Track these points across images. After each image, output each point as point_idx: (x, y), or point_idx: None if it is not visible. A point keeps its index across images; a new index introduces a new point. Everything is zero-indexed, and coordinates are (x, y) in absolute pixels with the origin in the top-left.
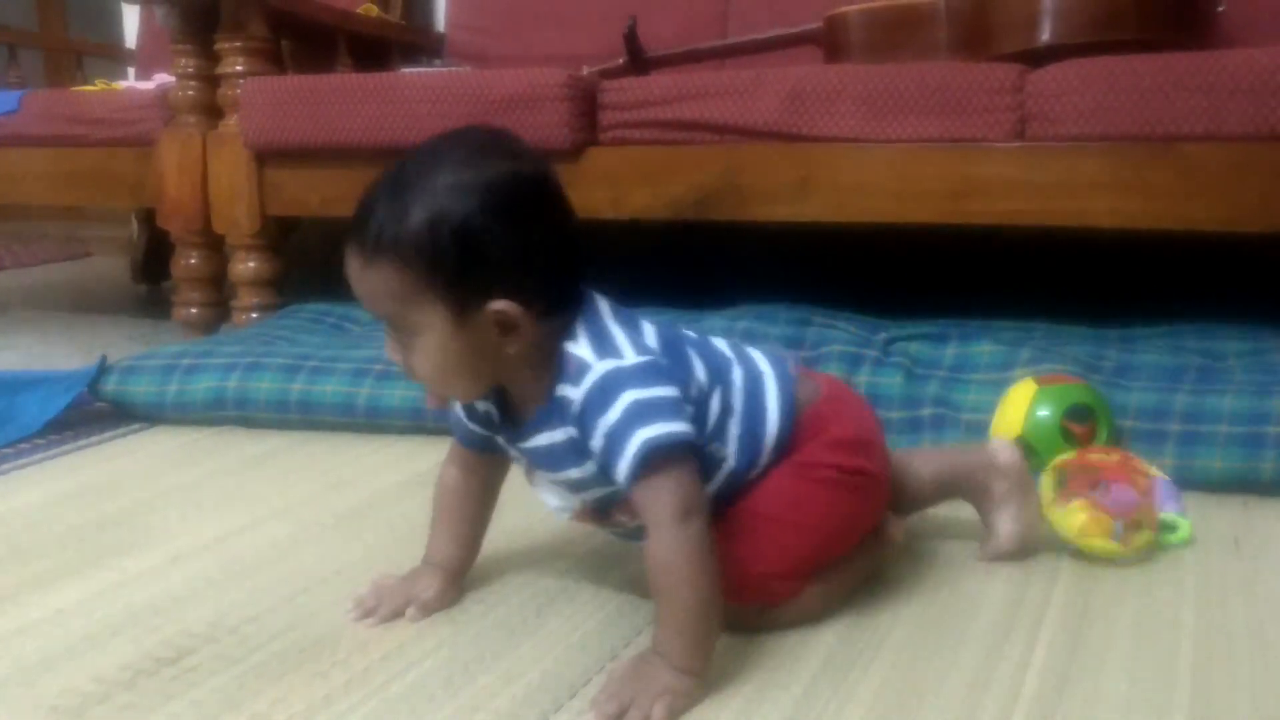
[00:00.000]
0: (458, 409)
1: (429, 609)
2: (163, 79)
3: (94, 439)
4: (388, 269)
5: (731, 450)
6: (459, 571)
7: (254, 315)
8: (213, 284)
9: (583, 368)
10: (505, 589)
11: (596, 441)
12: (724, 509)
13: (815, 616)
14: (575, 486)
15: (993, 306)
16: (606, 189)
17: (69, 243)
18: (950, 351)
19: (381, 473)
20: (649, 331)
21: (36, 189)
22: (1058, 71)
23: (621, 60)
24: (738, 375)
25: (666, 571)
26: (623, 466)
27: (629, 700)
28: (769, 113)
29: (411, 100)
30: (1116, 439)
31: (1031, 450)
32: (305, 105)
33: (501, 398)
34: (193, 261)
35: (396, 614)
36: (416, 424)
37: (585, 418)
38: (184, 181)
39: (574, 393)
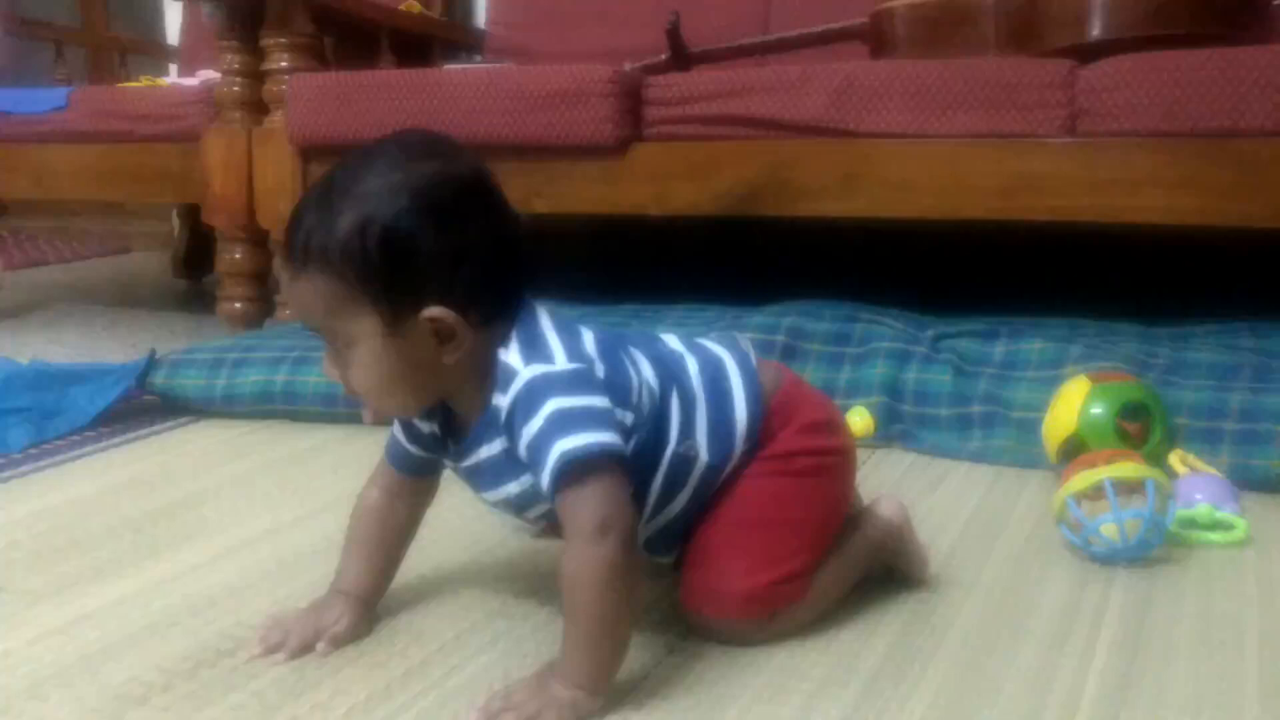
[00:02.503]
0: (397, 429)
1: (340, 641)
2: (206, 75)
3: (144, 432)
4: (317, 278)
5: (704, 444)
6: (371, 601)
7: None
8: (257, 279)
9: (510, 374)
10: (545, 590)
11: (523, 451)
12: (707, 521)
13: (824, 611)
14: (517, 505)
15: (1040, 303)
16: (650, 185)
17: (110, 238)
18: (1000, 349)
19: None
20: (588, 339)
21: (82, 184)
22: (1111, 66)
23: (663, 56)
24: (693, 366)
25: (575, 587)
26: (544, 478)
27: (520, 710)
28: (816, 108)
29: (455, 96)
30: (1171, 438)
31: (1086, 447)
32: (350, 101)
33: (445, 417)
34: (237, 256)
35: (306, 648)
36: None
37: (512, 425)
38: (229, 177)
39: (503, 400)
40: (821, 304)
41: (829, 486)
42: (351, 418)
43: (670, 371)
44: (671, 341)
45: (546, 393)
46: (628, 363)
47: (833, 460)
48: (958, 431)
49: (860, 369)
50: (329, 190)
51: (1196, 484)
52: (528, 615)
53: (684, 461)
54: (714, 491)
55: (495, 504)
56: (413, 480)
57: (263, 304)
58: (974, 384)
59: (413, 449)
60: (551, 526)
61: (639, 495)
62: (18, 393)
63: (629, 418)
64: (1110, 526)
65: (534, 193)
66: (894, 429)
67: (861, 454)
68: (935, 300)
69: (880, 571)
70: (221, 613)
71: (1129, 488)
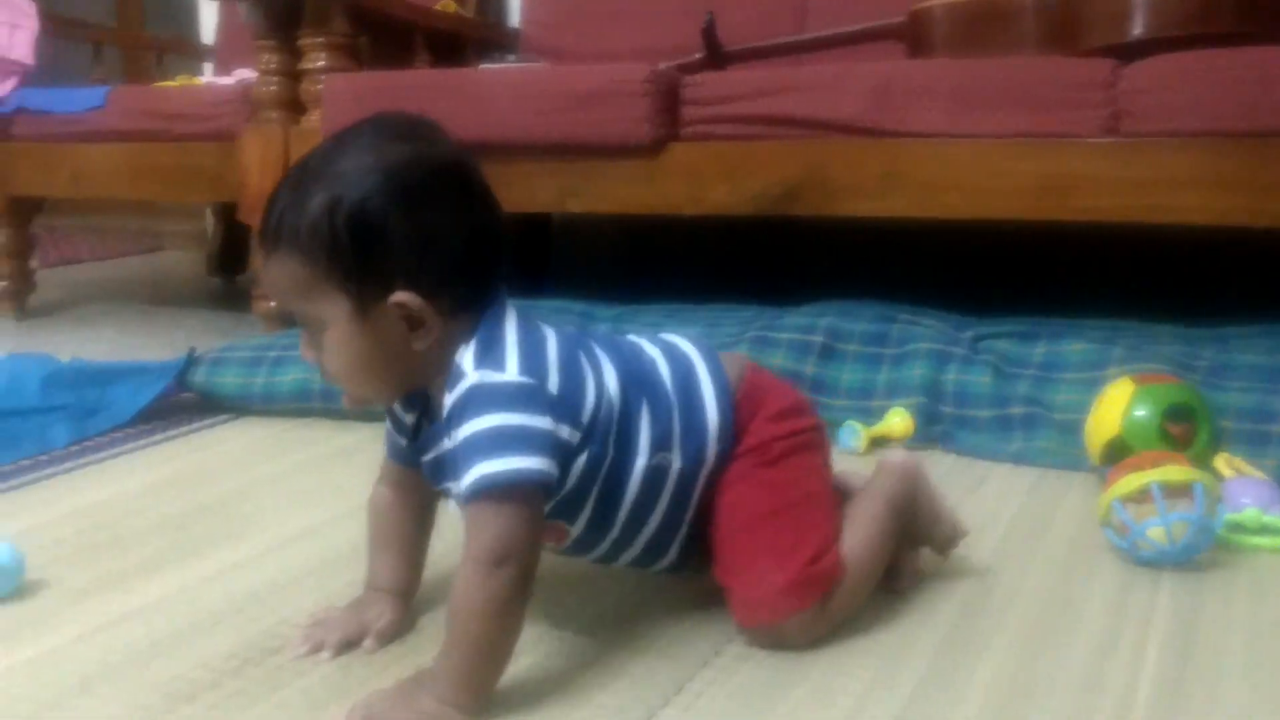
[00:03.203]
0: (389, 420)
1: (385, 638)
2: (242, 74)
3: (183, 429)
4: (288, 259)
5: (677, 451)
6: (408, 595)
7: None
8: None
9: (459, 375)
10: (596, 589)
11: (453, 453)
12: (714, 540)
13: (872, 582)
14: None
15: (1077, 304)
16: (687, 184)
17: (143, 236)
18: (1040, 350)
19: None
20: (551, 346)
21: (120, 183)
22: (1153, 66)
23: (698, 55)
24: (666, 371)
25: (460, 611)
26: (462, 489)
27: (382, 718)
28: (854, 107)
29: (491, 96)
30: (1216, 441)
31: (1130, 450)
32: (386, 101)
33: (425, 409)
34: None
35: (351, 645)
36: None
37: (449, 426)
38: (266, 176)
39: (448, 400)
40: (858, 304)
41: (810, 458)
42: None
43: (641, 381)
44: (644, 345)
45: (485, 405)
46: (589, 374)
47: (806, 438)
48: (998, 433)
49: (899, 370)
50: (303, 171)
51: (1243, 488)
52: (560, 601)
53: (657, 473)
54: (697, 499)
55: (455, 499)
56: (413, 470)
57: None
58: (1014, 385)
59: (400, 440)
60: (548, 536)
61: (601, 517)
62: (59, 390)
63: (575, 436)
64: (1157, 530)
65: (568, 192)
66: (933, 430)
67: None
68: (972, 300)
69: (914, 550)
70: (266, 610)
71: (1176, 491)
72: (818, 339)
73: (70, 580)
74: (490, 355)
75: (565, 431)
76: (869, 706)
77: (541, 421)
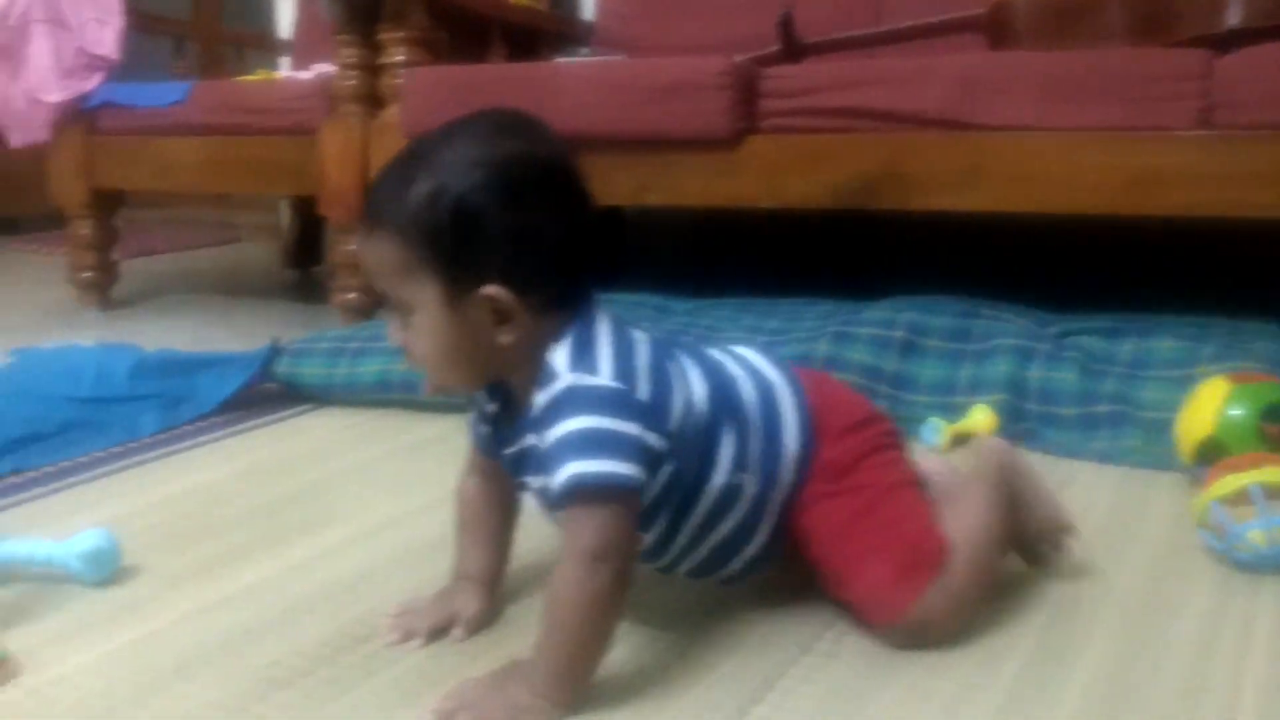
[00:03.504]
0: (472, 414)
1: (474, 626)
2: (320, 69)
3: (267, 418)
4: (387, 240)
5: (753, 474)
6: (495, 584)
7: None
8: None
9: (551, 375)
10: (684, 584)
11: (545, 453)
12: (817, 555)
13: (991, 556)
14: (545, 500)
15: (1166, 300)
16: (764, 178)
17: (219, 228)
18: (1127, 347)
19: None
20: (642, 353)
21: (201, 176)
22: (1249, 57)
23: (774, 48)
24: (748, 393)
25: (559, 605)
26: (554, 487)
27: (474, 709)
28: (935, 100)
29: (569, 89)
30: None
31: (1225, 450)
32: (464, 95)
33: (506, 399)
34: (351, 248)
35: (440, 634)
36: None
37: (540, 426)
38: (345, 170)
39: (540, 399)
40: (939, 299)
41: (885, 456)
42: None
43: (725, 398)
44: (727, 362)
45: (579, 407)
46: (678, 384)
47: (879, 441)
48: (1084, 431)
49: (982, 366)
50: (411, 157)
51: None
52: (648, 596)
53: (733, 491)
54: (770, 523)
55: (536, 492)
56: (499, 463)
57: (376, 294)
58: (1101, 383)
59: (483, 429)
60: None
61: (672, 527)
62: (147, 379)
63: (663, 445)
64: (1257, 533)
65: (645, 185)
66: (1017, 428)
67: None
68: (1054, 296)
69: (1023, 531)
70: (356, 598)
71: (1276, 493)
72: (898, 334)
73: (164, 566)
74: (584, 357)
75: (653, 439)
76: (963, 708)
77: (631, 428)
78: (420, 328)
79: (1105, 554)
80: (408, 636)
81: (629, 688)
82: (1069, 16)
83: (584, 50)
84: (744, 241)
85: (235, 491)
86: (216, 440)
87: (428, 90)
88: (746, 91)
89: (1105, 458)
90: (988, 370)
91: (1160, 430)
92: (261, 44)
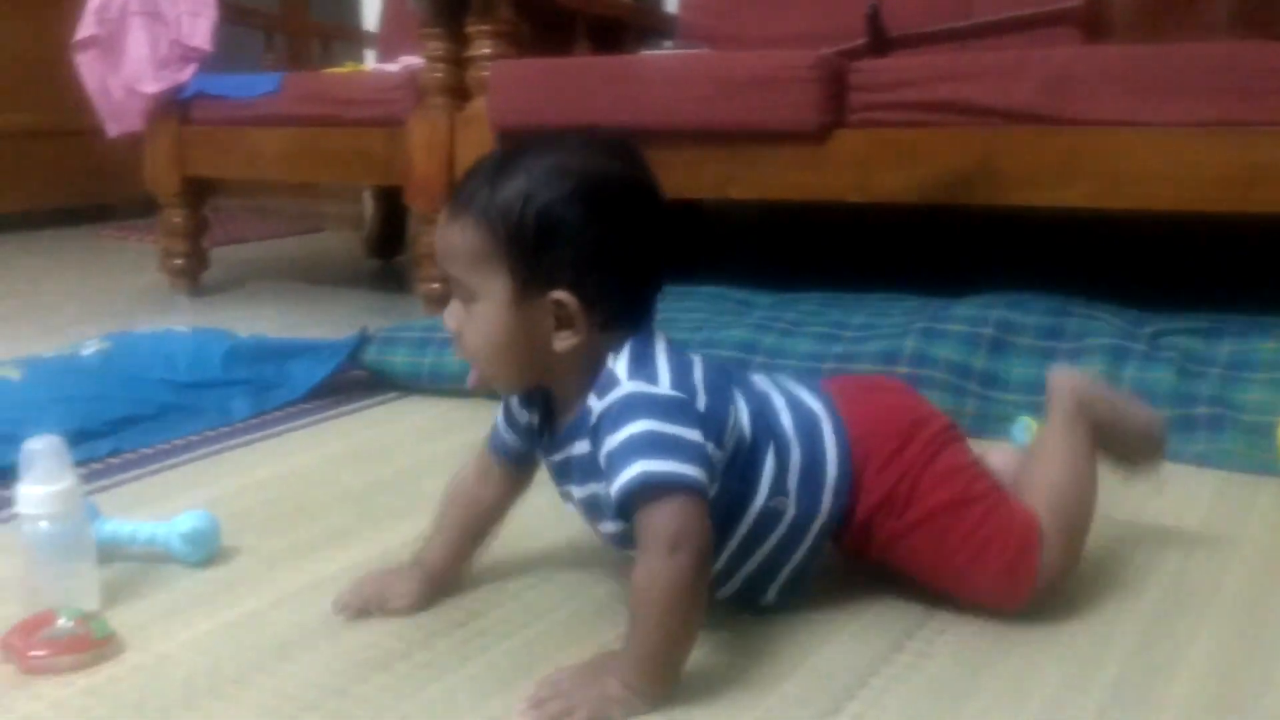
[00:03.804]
0: (500, 415)
1: (397, 613)
2: (407, 61)
3: (355, 405)
4: (470, 227)
5: (793, 498)
6: (442, 578)
7: None
8: None
9: (612, 382)
10: None
11: (602, 458)
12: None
13: (1091, 496)
14: (599, 510)
15: (1264, 300)
16: (853, 172)
17: (303, 218)
18: (1226, 348)
19: None
20: (697, 370)
21: (290, 166)
22: None
23: (861, 41)
24: (788, 419)
25: (642, 595)
26: (615, 489)
27: (567, 699)
28: (1030, 95)
29: (655, 82)
30: None
31: None
32: (551, 87)
33: (546, 409)
34: (434, 239)
35: (365, 613)
36: None
37: (598, 432)
38: (431, 161)
39: (597, 405)
40: (1029, 296)
41: (939, 463)
42: None
43: (768, 423)
44: (772, 392)
45: (641, 411)
46: (729, 403)
47: (933, 449)
48: (1181, 433)
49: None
50: (510, 156)
51: None
52: (741, 609)
53: (772, 515)
54: (806, 549)
55: (579, 501)
56: (508, 469)
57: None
58: (1199, 384)
59: (509, 437)
60: (620, 545)
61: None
62: (240, 364)
63: (719, 456)
64: None
65: (730, 178)
66: None
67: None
68: (1147, 294)
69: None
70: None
71: None
72: (988, 332)
73: (261, 548)
74: (644, 368)
75: (711, 448)
76: (1062, 711)
77: (694, 434)
78: (480, 317)
79: (1205, 559)
80: (341, 610)
81: (719, 683)
82: (1169, 9)
83: (667, 43)
84: (827, 236)
85: (327, 476)
86: (307, 426)
87: (513, 83)
88: (835, 85)
89: (1203, 461)
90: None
91: (1263, 434)
92: (348, 37)
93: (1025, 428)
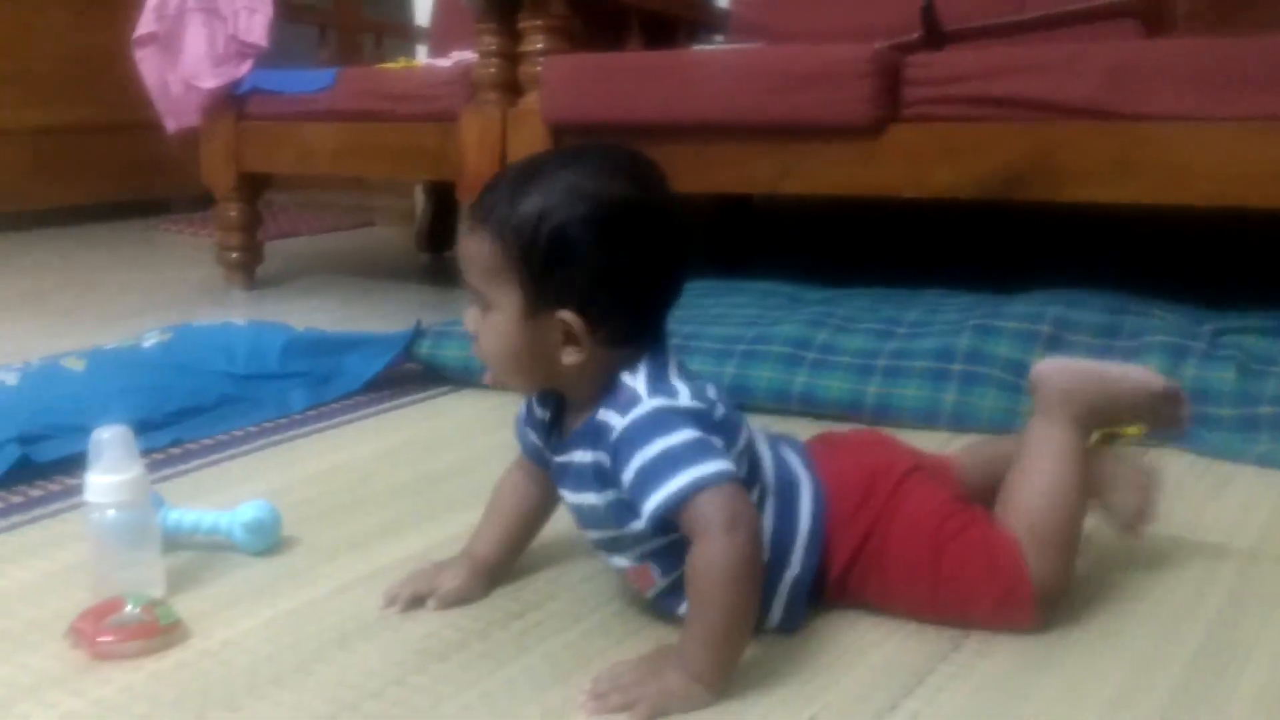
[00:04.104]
0: (522, 410)
1: (448, 601)
2: (460, 56)
3: (409, 398)
4: (487, 240)
5: (765, 547)
6: (492, 569)
7: None
8: None
9: (634, 399)
10: None
11: (628, 475)
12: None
13: (1078, 499)
14: (588, 517)
15: None
16: (907, 167)
17: (355, 212)
18: None
19: None
20: (711, 389)
21: (344, 161)
22: None
23: (916, 35)
24: (769, 467)
25: (703, 577)
26: (663, 499)
27: (628, 693)
28: (1088, 89)
29: (709, 77)
30: None
31: None
32: (604, 82)
33: (559, 409)
34: None
35: (418, 603)
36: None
37: (622, 447)
38: (484, 156)
39: (617, 420)
40: (1086, 293)
41: (904, 508)
42: None
43: (753, 464)
44: (758, 438)
45: (676, 423)
46: (743, 419)
47: (889, 497)
48: (1243, 433)
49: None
50: (530, 171)
51: None
52: None
53: None
54: (791, 596)
55: (571, 505)
56: (540, 466)
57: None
58: (1262, 383)
59: (530, 432)
60: (608, 551)
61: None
62: (297, 357)
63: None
64: None
65: (783, 173)
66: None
67: (1133, 454)
68: (1207, 293)
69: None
70: (506, 574)
71: None
72: (1044, 329)
73: (320, 539)
74: (661, 386)
75: (732, 456)
76: (1123, 710)
77: (718, 441)
78: (494, 326)
79: (1269, 562)
80: (391, 602)
81: (777, 679)
82: (1234, 2)
83: (719, 38)
84: (880, 232)
85: (383, 468)
86: (363, 418)
87: (567, 78)
88: (889, 79)
89: (1266, 462)
90: None
91: None
92: (400, 32)
93: None
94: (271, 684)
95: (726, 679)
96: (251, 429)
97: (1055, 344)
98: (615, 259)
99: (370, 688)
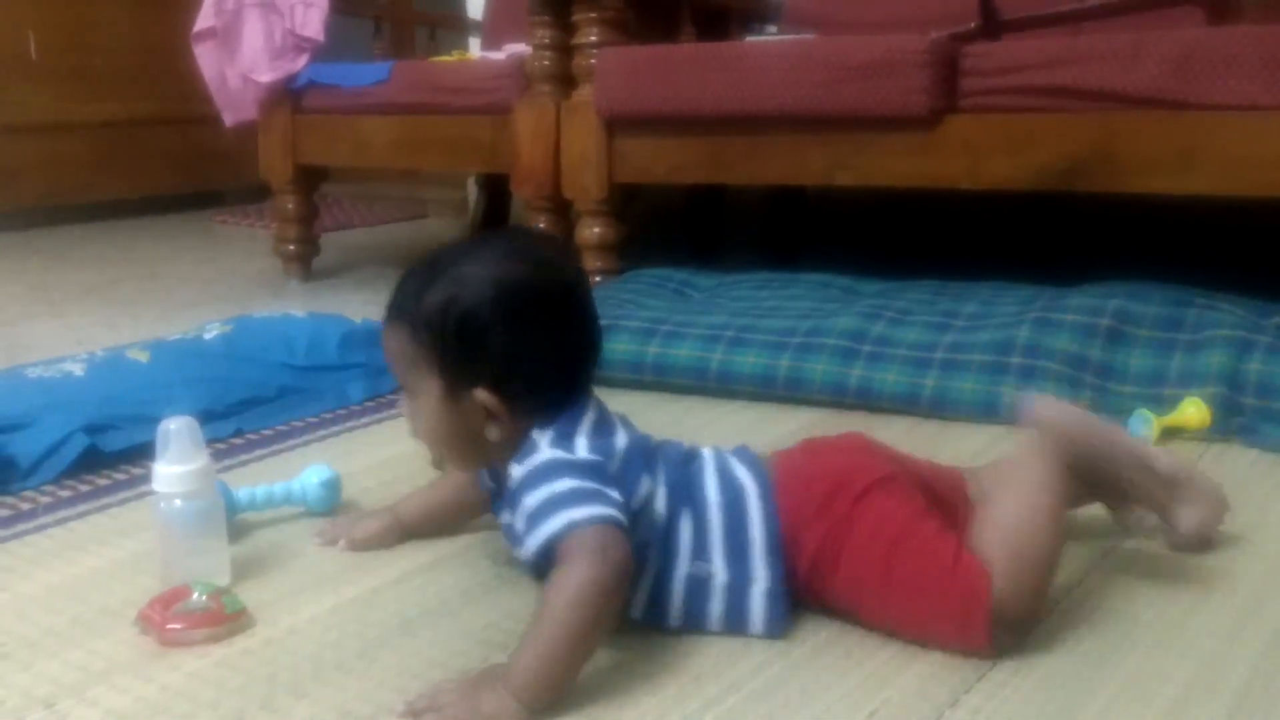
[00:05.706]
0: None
1: (356, 546)
2: (512, 49)
3: None
4: (401, 333)
5: (720, 563)
6: (406, 528)
7: (597, 279)
8: None
9: (533, 450)
10: None
11: (520, 518)
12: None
13: (1053, 542)
14: (527, 565)
15: None
16: (964, 158)
17: (408, 204)
18: None
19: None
20: (620, 440)
21: (399, 154)
22: None
23: (973, 24)
24: (713, 488)
25: (555, 594)
26: (541, 538)
27: (442, 713)
28: (1150, 78)
29: (762, 68)
30: None
31: None
32: (657, 74)
33: (499, 481)
34: (540, 225)
35: (331, 543)
36: (765, 391)
37: (518, 493)
38: (537, 148)
39: (516, 470)
40: (1148, 285)
41: (865, 521)
42: (656, 385)
43: (689, 492)
44: (706, 465)
45: (561, 473)
46: (642, 471)
47: (851, 506)
48: None
49: (1194, 357)
50: (436, 263)
51: None
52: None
53: (699, 583)
54: (769, 607)
55: (524, 562)
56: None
57: None
58: None
59: (490, 484)
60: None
61: (657, 615)
62: (355, 349)
63: (627, 516)
64: None
65: (838, 164)
66: (1233, 423)
67: (1195, 449)
68: (1274, 285)
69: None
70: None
71: None
72: (1105, 322)
73: None
74: (563, 441)
75: (623, 506)
76: (1189, 709)
77: (611, 492)
78: (421, 412)
79: None
80: (320, 537)
81: (837, 674)
82: None
83: (772, 29)
84: (936, 223)
85: None
86: None
87: (620, 70)
88: (946, 69)
89: None
90: (1201, 361)
91: None
92: (453, 25)
93: (1144, 420)
94: (335, 670)
95: (548, 701)
96: (312, 419)
97: (1116, 337)
98: (521, 337)
99: (433, 675)
